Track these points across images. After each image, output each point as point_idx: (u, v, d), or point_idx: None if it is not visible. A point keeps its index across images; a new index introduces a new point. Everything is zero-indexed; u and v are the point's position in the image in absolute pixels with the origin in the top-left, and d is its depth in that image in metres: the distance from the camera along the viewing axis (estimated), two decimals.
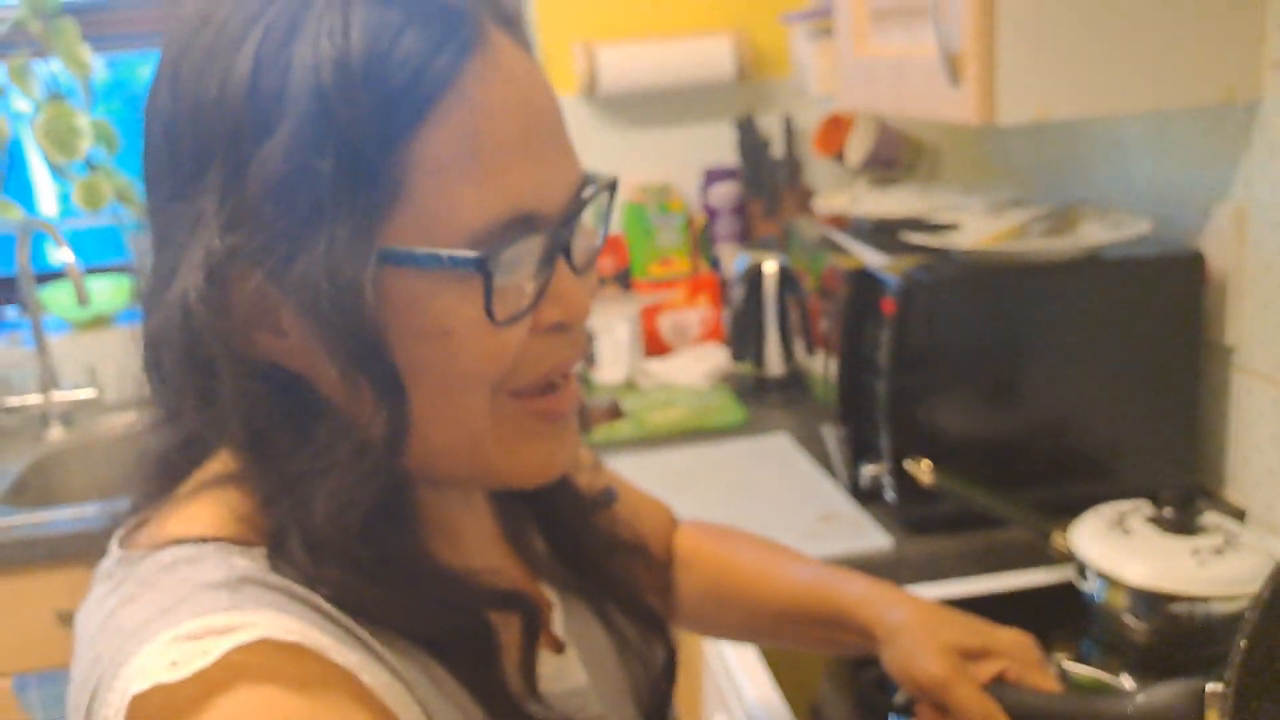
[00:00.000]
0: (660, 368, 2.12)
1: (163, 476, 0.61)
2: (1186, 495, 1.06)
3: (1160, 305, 1.33)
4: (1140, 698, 0.73)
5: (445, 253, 0.53)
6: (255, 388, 0.55)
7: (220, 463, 0.59)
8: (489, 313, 0.54)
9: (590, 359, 2.11)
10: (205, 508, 0.57)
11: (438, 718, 0.56)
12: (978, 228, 1.46)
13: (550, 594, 0.71)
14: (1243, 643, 0.63)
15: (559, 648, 0.69)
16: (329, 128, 0.50)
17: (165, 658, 0.48)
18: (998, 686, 0.76)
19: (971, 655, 0.78)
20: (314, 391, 0.56)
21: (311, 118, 0.50)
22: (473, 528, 0.68)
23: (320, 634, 0.51)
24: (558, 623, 0.70)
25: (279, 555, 0.54)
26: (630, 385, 2.08)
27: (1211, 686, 0.69)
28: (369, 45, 0.51)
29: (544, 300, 0.57)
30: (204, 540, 0.55)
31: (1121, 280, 1.32)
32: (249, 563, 0.54)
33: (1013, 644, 0.79)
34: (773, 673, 1.11)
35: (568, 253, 0.58)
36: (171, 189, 0.54)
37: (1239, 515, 1.32)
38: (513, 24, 0.58)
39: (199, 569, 0.53)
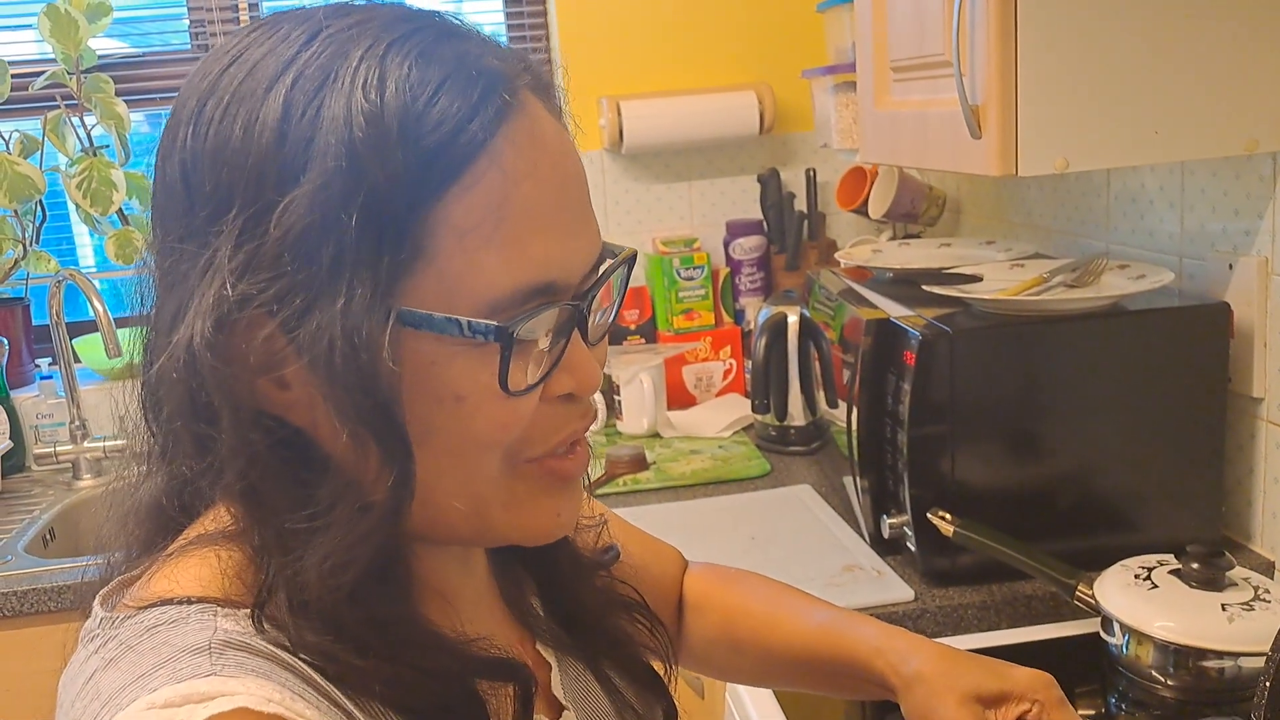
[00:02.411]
0: (683, 419, 2.12)
1: (154, 529, 0.60)
2: (1214, 549, 1.05)
3: (1185, 357, 1.32)
4: None
5: (465, 320, 0.51)
6: (255, 438, 0.53)
7: (213, 520, 0.58)
8: (503, 383, 0.53)
9: (615, 410, 2.12)
10: (193, 566, 0.55)
11: None
12: (999, 279, 1.46)
13: (548, 655, 0.70)
14: (1267, 682, 0.62)
15: (557, 710, 0.68)
16: (358, 182, 0.49)
17: None
18: None
19: (991, 701, 0.76)
20: (314, 446, 0.55)
21: (340, 170, 0.49)
22: (470, 589, 0.66)
23: (303, 704, 0.49)
24: (556, 684, 0.69)
25: (263, 615, 0.53)
26: (654, 436, 2.08)
27: None
28: (405, 102, 0.50)
29: (556, 370, 0.56)
30: (189, 601, 0.53)
31: (1145, 332, 1.31)
32: (233, 626, 0.52)
33: (1031, 684, 0.77)
34: (789, 718, 1.10)
35: (584, 325, 0.57)
36: (185, 229, 0.53)
37: (1268, 569, 1.30)
38: (547, 91, 0.58)
39: (180, 632, 0.51)
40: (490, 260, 0.52)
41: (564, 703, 0.68)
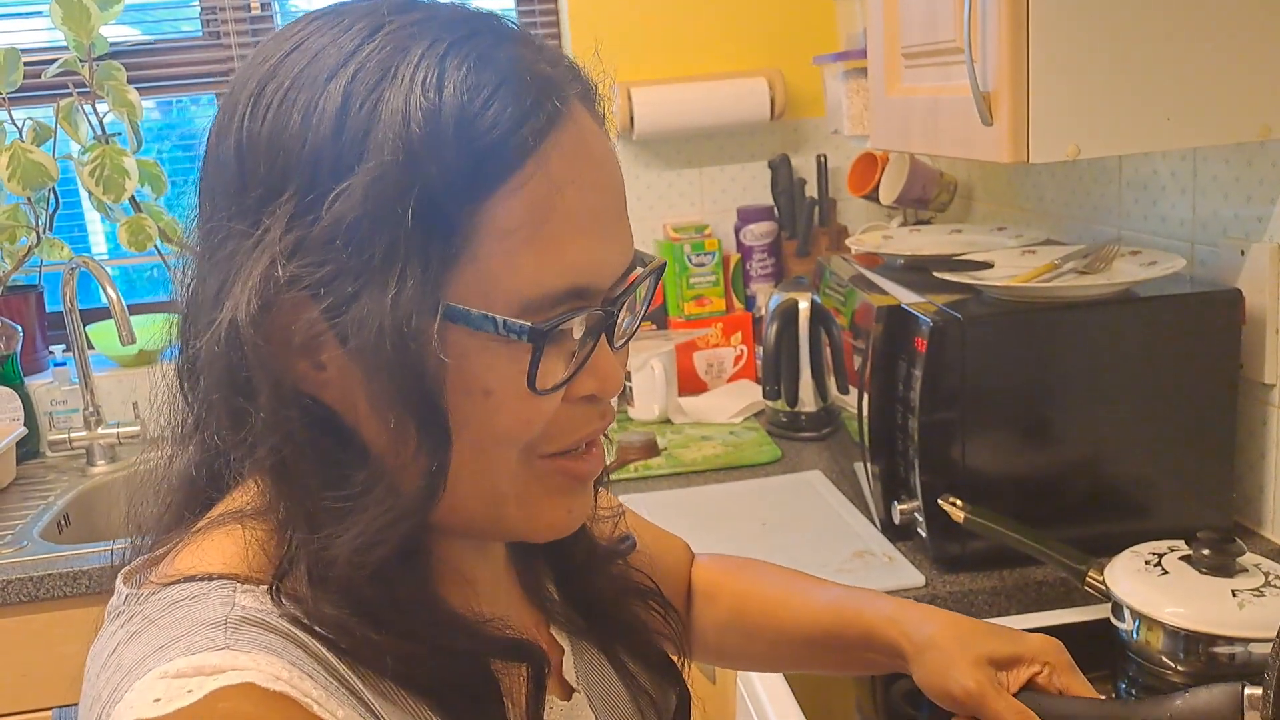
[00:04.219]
0: (695, 405, 2.13)
1: (184, 499, 0.61)
2: (1224, 535, 1.05)
3: (1196, 343, 1.32)
4: (1179, 701, 0.72)
5: (501, 318, 0.53)
6: (291, 415, 0.54)
7: (241, 495, 0.59)
8: (531, 382, 0.54)
9: (626, 396, 2.12)
10: (219, 543, 0.57)
11: None
12: (1011, 266, 1.46)
13: (561, 639, 0.71)
14: (1277, 660, 0.62)
15: (568, 693, 0.69)
16: (412, 176, 0.51)
17: (151, 694, 0.48)
18: (1032, 695, 0.76)
19: (1002, 664, 0.77)
20: (348, 428, 0.56)
21: (396, 164, 0.51)
22: (486, 572, 0.67)
23: (311, 684, 0.50)
24: (569, 667, 0.70)
25: (282, 587, 0.54)
26: (665, 422, 2.09)
27: (1251, 689, 0.68)
28: (461, 103, 0.52)
29: (581, 372, 0.57)
30: (210, 578, 0.55)
31: (1157, 318, 1.31)
32: (252, 602, 0.53)
33: (1043, 648, 0.78)
34: (801, 705, 1.11)
35: (611, 330, 0.59)
36: (235, 207, 0.54)
37: (1278, 555, 1.30)
38: (594, 101, 0.59)
39: (200, 607, 0.53)
40: (528, 261, 0.53)
41: (575, 685, 0.69)
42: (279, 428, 0.54)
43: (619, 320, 0.59)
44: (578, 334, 0.57)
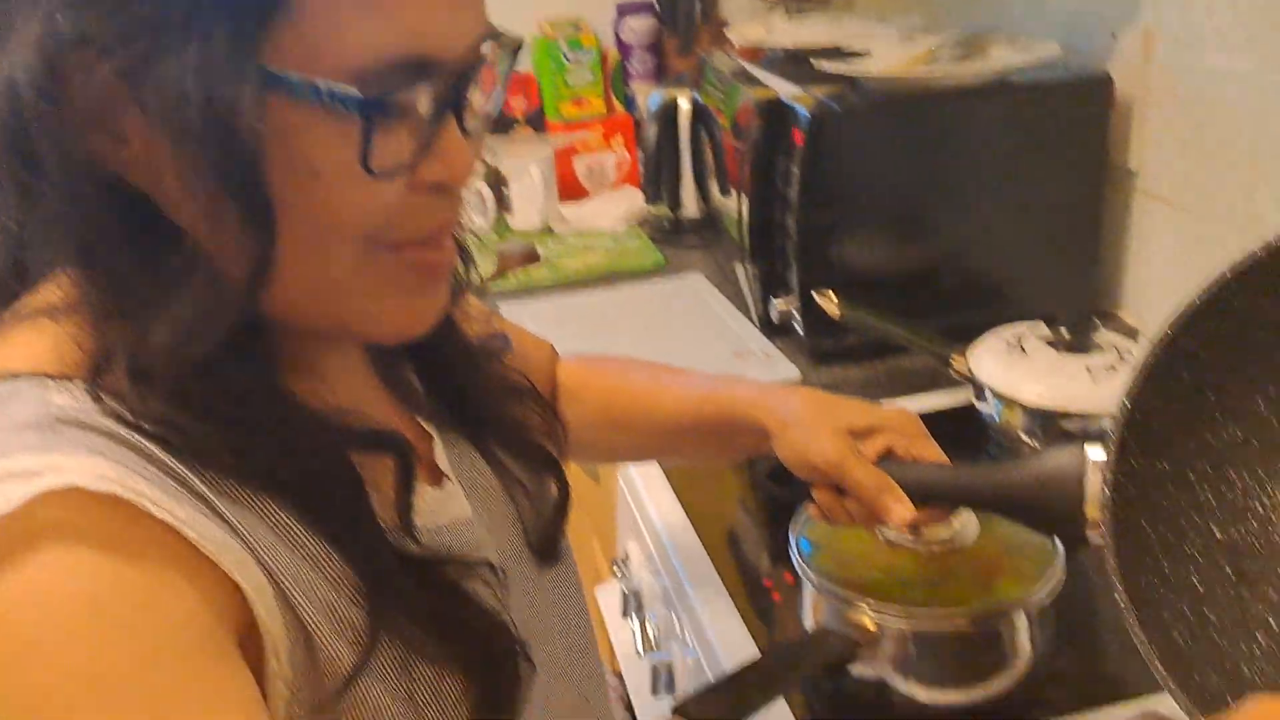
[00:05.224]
0: (576, 212, 2.09)
1: None
2: (1082, 315, 1.08)
3: (1067, 130, 1.33)
4: (1029, 463, 0.75)
5: (323, 84, 0.47)
6: (86, 193, 0.49)
7: (52, 291, 0.53)
8: (364, 161, 0.49)
9: (504, 204, 2.07)
10: (26, 338, 0.52)
11: (281, 571, 0.51)
12: (889, 55, 1.43)
13: (429, 428, 0.68)
14: (1126, 403, 0.63)
15: (439, 479, 0.66)
16: None
17: None
18: (890, 463, 0.79)
19: (861, 434, 0.79)
20: (158, 211, 0.51)
21: None
22: (336, 362, 0.63)
23: (144, 483, 0.46)
24: (439, 455, 0.67)
25: (99, 384, 0.49)
26: (546, 231, 2.05)
27: (1090, 447, 0.71)
28: None
29: (427, 157, 0.52)
30: (18, 375, 0.50)
31: (1029, 105, 1.31)
32: (69, 400, 0.49)
33: (899, 419, 0.81)
34: (680, 498, 1.14)
35: (459, 109, 0.53)
36: None
37: (1133, 335, 1.35)
38: None
39: (9, 408, 0.48)
40: (356, 22, 0.48)
41: (446, 473, 0.67)
42: (75, 207, 0.49)
43: (469, 99, 0.54)
44: (419, 111, 0.51)
